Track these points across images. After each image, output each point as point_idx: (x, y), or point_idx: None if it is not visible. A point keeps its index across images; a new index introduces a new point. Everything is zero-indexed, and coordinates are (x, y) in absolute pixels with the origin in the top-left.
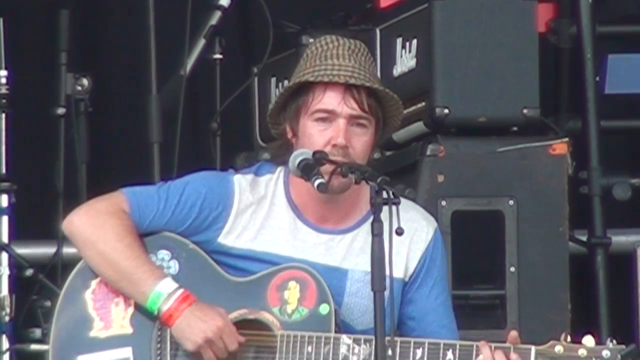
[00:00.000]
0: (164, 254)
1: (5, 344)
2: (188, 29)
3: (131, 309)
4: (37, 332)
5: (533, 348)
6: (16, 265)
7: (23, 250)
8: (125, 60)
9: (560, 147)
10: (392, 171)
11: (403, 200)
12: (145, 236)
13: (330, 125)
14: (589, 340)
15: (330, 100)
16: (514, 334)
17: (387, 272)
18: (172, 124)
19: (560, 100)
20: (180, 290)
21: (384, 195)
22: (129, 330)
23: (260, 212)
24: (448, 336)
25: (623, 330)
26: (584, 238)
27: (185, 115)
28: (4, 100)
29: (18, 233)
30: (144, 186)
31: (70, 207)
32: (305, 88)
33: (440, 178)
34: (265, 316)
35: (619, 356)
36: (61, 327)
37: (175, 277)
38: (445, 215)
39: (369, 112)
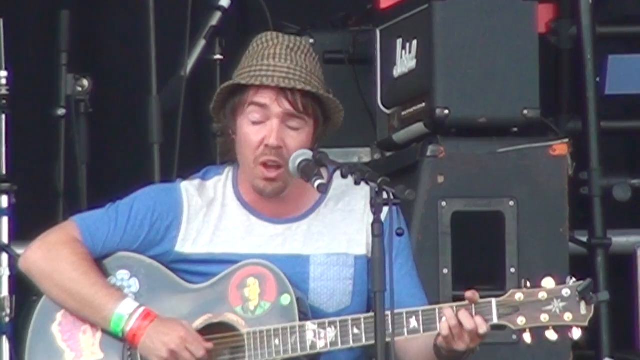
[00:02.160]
0: (123, 273)
1: (6, 344)
2: (188, 30)
3: (99, 335)
4: None
5: (494, 300)
6: (16, 265)
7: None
8: (125, 60)
9: (560, 147)
10: (392, 172)
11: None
12: (102, 259)
13: (264, 126)
14: (548, 282)
15: (263, 96)
16: (469, 293)
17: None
18: (173, 124)
19: (560, 101)
20: (141, 309)
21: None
22: (99, 355)
23: (213, 215)
24: (417, 305)
25: (623, 331)
26: (585, 239)
27: (185, 116)
28: (4, 101)
29: (18, 233)
30: (93, 211)
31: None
32: (240, 88)
33: (441, 179)
34: (229, 317)
35: (576, 292)
36: None
37: (136, 295)
38: (446, 216)
39: (304, 112)
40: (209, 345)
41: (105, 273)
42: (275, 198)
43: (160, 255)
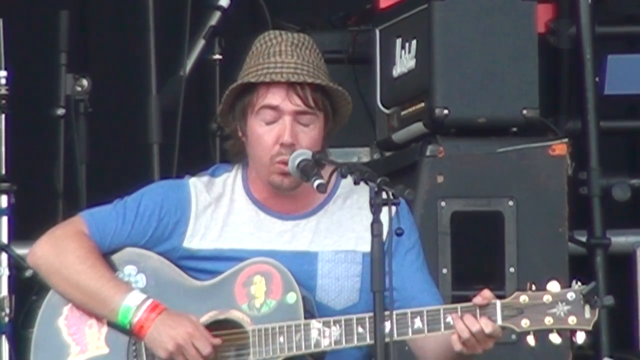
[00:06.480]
0: (130, 269)
1: (5, 345)
2: (188, 30)
3: (105, 329)
4: None
5: (498, 302)
6: (16, 265)
7: (23, 251)
8: (125, 60)
9: (559, 147)
10: (392, 172)
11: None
12: (109, 255)
13: (276, 125)
14: (553, 286)
15: (274, 96)
16: (486, 293)
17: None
18: (172, 124)
19: (559, 101)
20: (149, 301)
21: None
22: (105, 350)
23: (221, 210)
24: (430, 300)
25: (623, 331)
26: (584, 239)
27: (184, 116)
28: (3, 101)
29: (18, 233)
30: (101, 206)
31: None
32: (249, 88)
33: (440, 179)
34: (235, 314)
35: (581, 295)
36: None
37: (143, 290)
38: (445, 216)
39: (315, 107)
40: (217, 341)
41: (112, 268)
42: (285, 195)
43: (168, 251)
